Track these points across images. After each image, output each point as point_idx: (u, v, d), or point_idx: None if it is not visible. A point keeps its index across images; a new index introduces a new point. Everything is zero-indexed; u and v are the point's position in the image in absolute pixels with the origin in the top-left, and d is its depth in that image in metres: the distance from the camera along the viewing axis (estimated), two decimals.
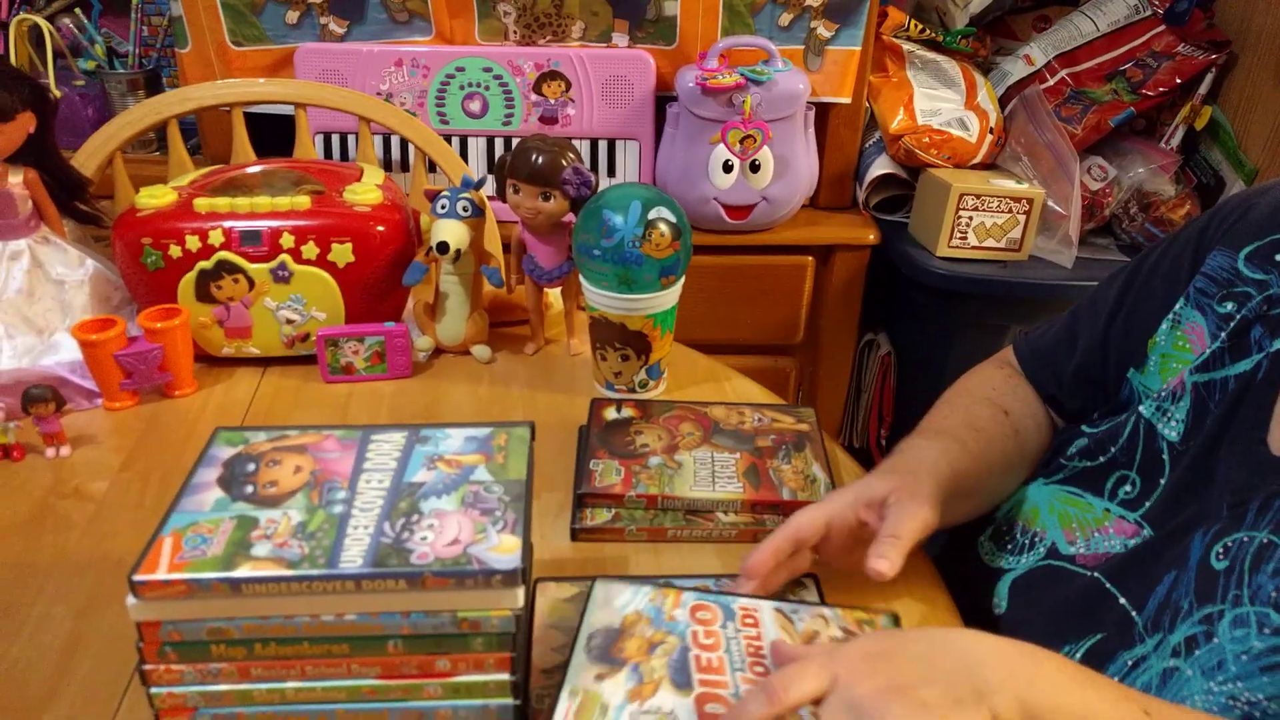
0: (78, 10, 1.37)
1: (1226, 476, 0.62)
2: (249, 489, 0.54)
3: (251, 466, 0.56)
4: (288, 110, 1.15)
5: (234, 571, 0.48)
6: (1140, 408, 0.70)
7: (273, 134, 1.26)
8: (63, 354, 0.88)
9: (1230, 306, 0.67)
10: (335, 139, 1.31)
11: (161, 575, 0.47)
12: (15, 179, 0.88)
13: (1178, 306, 0.71)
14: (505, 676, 0.52)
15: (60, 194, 0.92)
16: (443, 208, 0.92)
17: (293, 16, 1.26)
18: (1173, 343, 0.71)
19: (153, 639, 0.49)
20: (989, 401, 0.81)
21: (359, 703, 0.52)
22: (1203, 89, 1.46)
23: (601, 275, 0.84)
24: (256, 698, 0.51)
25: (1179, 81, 1.45)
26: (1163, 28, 1.51)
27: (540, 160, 0.89)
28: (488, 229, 1.09)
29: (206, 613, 0.49)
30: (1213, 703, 0.54)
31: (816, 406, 1.05)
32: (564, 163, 0.89)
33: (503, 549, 0.50)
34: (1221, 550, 0.59)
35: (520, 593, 0.50)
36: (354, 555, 0.49)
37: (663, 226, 0.82)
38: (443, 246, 0.89)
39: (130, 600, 0.48)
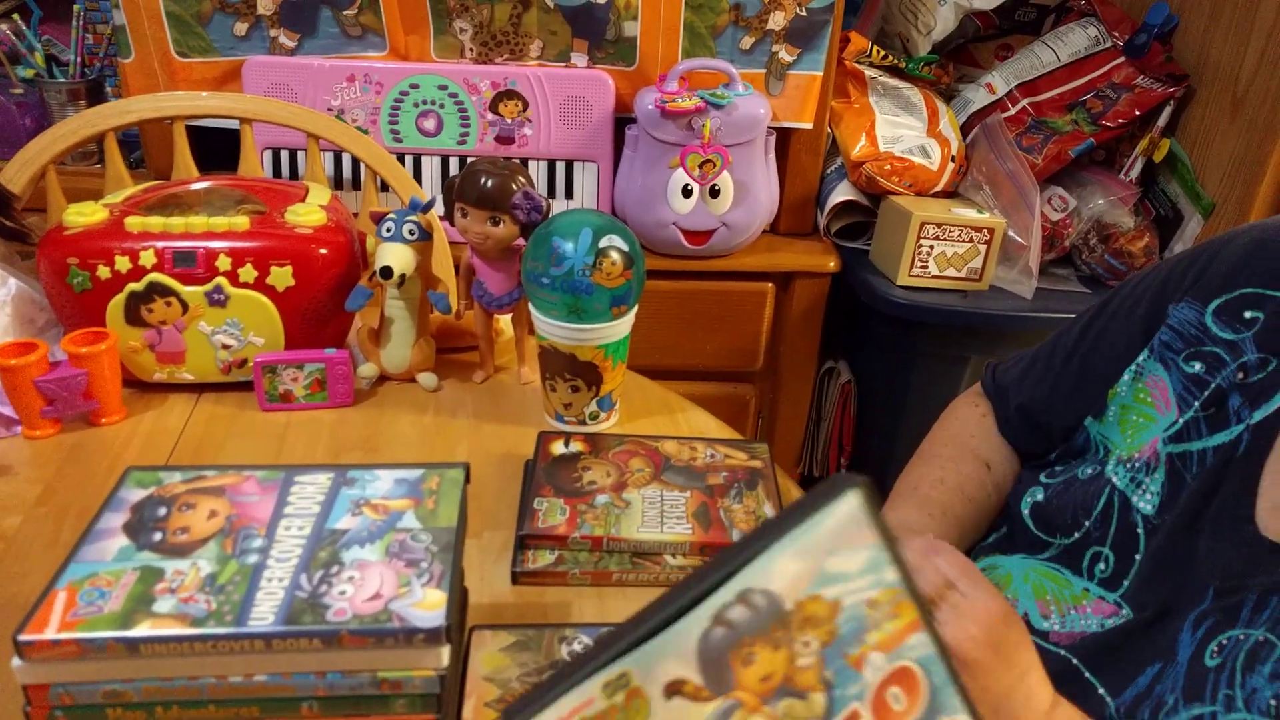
0: (16, 16, 1.32)
1: (1210, 557, 0.60)
2: (157, 536, 0.50)
3: (163, 511, 0.52)
4: (235, 124, 1.12)
5: (131, 630, 0.44)
6: (1113, 475, 0.67)
7: (220, 148, 1.22)
8: None
9: (1198, 367, 0.65)
10: (285, 155, 1.27)
11: (50, 635, 0.44)
12: None
13: (1141, 358, 0.69)
14: None
15: None
16: (388, 231, 0.89)
17: (241, 28, 1.22)
18: (1134, 394, 0.69)
19: (41, 703, 0.46)
20: (973, 456, 0.81)
21: None
22: (1161, 121, 1.47)
23: (550, 304, 0.81)
24: None
25: (1138, 113, 1.46)
26: (1122, 59, 1.52)
27: (489, 184, 0.86)
28: (438, 252, 1.06)
29: (102, 674, 0.45)
30: None
31: (776, 434, 1.03)
32: (514, 186, 0.86)
33: (427, 605, 0.47)
34: (1216, 648, 0.56)
35: (444, 652, 0.47)
36: (265, 611, 0.46)
37: (614, 255, 0.80)
38: (386, 271, 0.86)
39: (15, 662, 0.44)
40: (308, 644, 0.45)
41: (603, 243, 0.80)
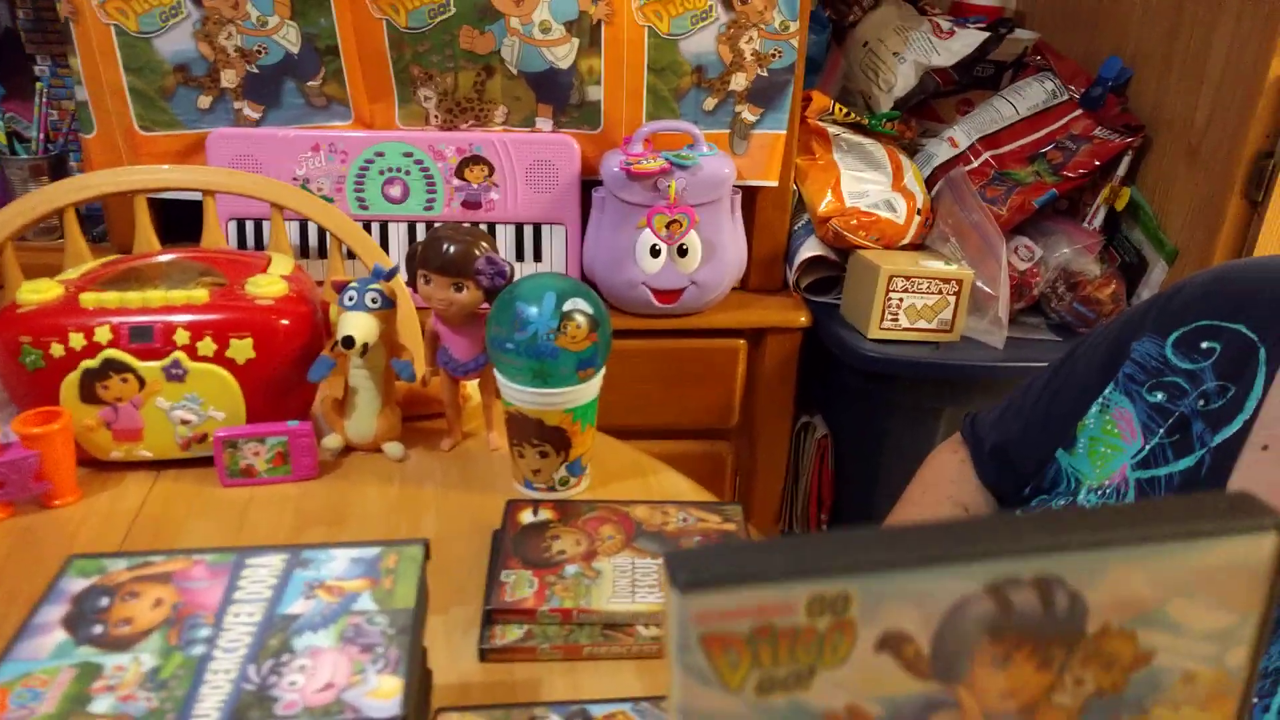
0: None
1: None
2: (98, 629, 0.48)
3: (105, 601, 0.50)
4: (198, 196, 1.11)
5: None
6: (1084, 503, 0.69)
7: (184, 218, 1.21)
8: None
9: (1160, 396, 0.68)
10: (250, 225, 1.26)
11: None
12: None
13: (1107, 391, 0.72)
14: None
15: None
16: (350, 300, 0.88)
17: (205, 101, 1.22)
18: (1101, 426, 0.72)
19: None
20: (950, 501, 0.84)
21: None
22: (1121, 171, 1.49)
23: (516, 369, 0.80)
24: None
25: (1098, 163, 1.48)
26: (1080, 111, 1.55)
27: (451, 250, 0.85)
28: (404, 319, 1.05)
29: None
30: None
31: (754, 491, 1.01)
32: (477, 252, 0.85)
33: (381, 693, 0.45)
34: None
35: None
36: (209, 708, 0.43)
37: (579, 318, 0.79)
38: (348, 341, 0.85)
39: None
40: None
41: (567, 306, 0.79)
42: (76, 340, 0.82)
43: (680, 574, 0.22)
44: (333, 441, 0.92)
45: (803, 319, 1.41)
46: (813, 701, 0.24)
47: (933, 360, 1.36)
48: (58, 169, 1.37)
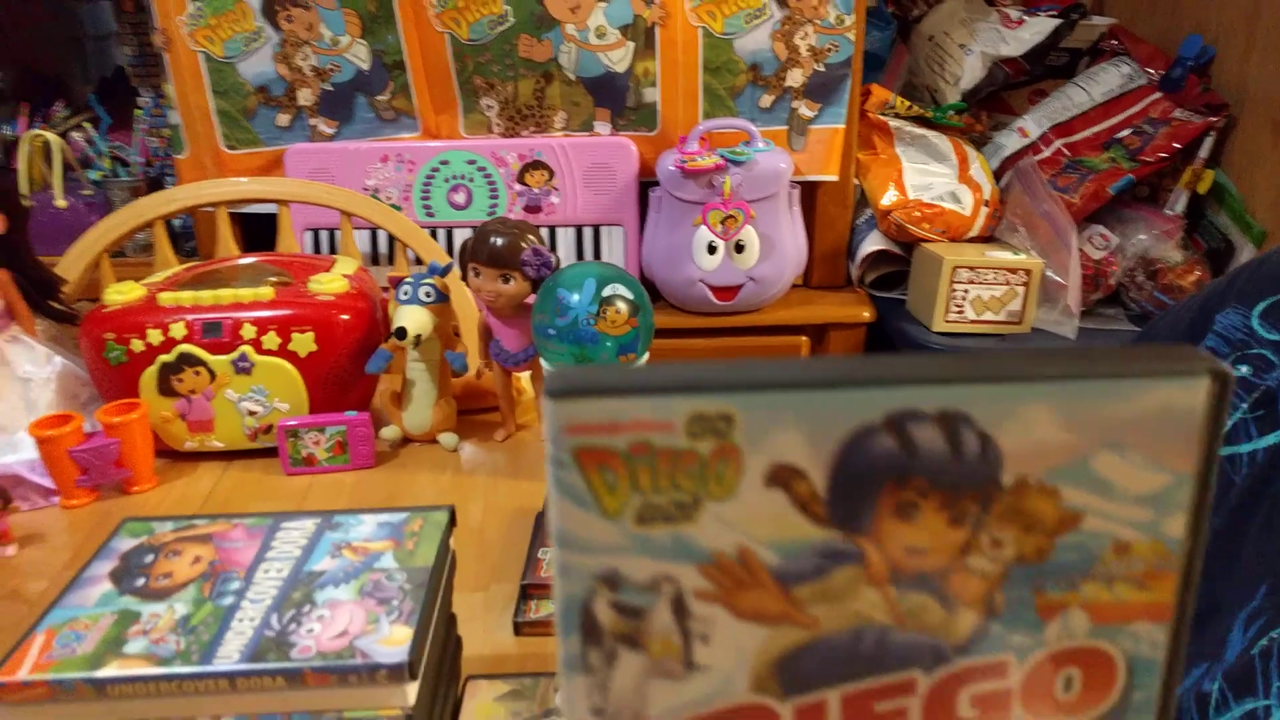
0: (87, 124, 1.43)
1: (1260, 555, 0.57)
2: (140, 581, 0.52)
3: (150, 558, 0.54)
4: (275, 209, 1.17)
5: (99, 671, 0.45)
6: None
7: (265, 232, 1.29)
8: (23, 452, 0.87)
9: (1245, 370, 0.64)
10: (324, 235, 1.33)
11: (22, 676, 0.45)
12: None
13: None
14: None
15: (33, 293, 0.93)
16: (405, 294, 0.92)
17: (284, 119, 1.29)
18: None
19: None
20: None
21: None
22: (1203, 153, 1.43)
23: (558, 354, 0.82)
24: None
25: (1177, 146, 1.42)
26: (1158, 95, 1.49)
27: (499, 242, 0.88)
28: (465, 317, 1.09)
29: (72, 717, 0.46)
30: None
31: None
32: (523, 244, 0.88)
33: (392, 641, 0.47)
34: (1266, 643, 0.53)
35: (410, 690, 0.46)
36: (231, 650, 0.46)
37: (619, 303, 0.81)
38: (401, 332, 0.88)
39: None
40: (271, 682, 0.45)
41: (606, 291, 0.81)
42: (154, 336, 0.88)
43: (555, 383, 0.21)
44: (390, 433, 0.96)
45: (866, 314, 1.40)
46: (699, 538, 0.22)
47: (1003, 350, 1.33)
48: (154, 190, 1.47)
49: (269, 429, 0.92)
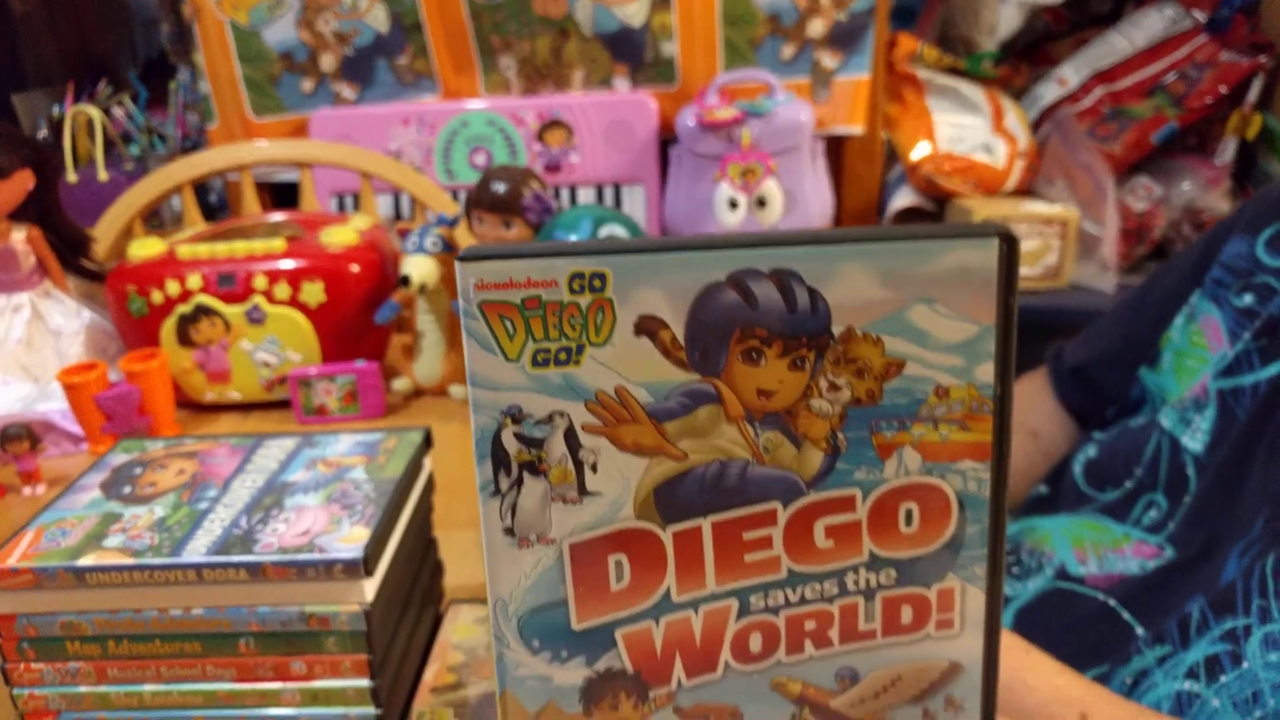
0: (127, 99, 1.48)
1: (1262, 487, 0.55)
2: (127, 489, 0.54)
3: (138, 470, 0.56)
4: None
5: (78, 560, 0.47)
6: (1162, 419, 0.64)
7: (294, 200, 1.32)
8: (55, 401, 0.91)
9: (1249, 299, 0.62)
10: (350, 201, 1.35)
11: (10, 564, 0.47)
12: (18, 235, 0.93)
13: (1193, 299, 0.67)
14: (364, 683, 0.49)
15: (64, 251, 0.97)
16: (412, 244, 0.93)
17: (308, 85, 1.32)
18: (1188, 338, 0.67)
19: (9, 634, 0.49)
20: (1018, 427, 0.81)
21: (216, 709, 0.49)
22: (1251, 96, 1.37)
23: None
24: (115, 701, 0.49)
25: (1224, 90, 1.36)
26: (1204, 38, 1.43)
27: (500, 189, 0.89)
28: None
29: (57, 605, 0.48)
30: None
31: None
32: (524, 190, 0.89)
33: (350, 539, 0.48)
34: (1250, 563, 0.52)
35: (366, 585, 0.47)
36: (200, 545, 0.48)
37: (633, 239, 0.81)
38: (405, 280, 0.90)
39: None
40: (235, 574, 0.47)
41: (603, 231, 0.81)
42: (173, 288, 0.91)
43: (465, 253, 0.26)
44: (402, 384, 0.97)
45: None
46: (584, 378, 0.26)
47: (1037, 306, 1.29)
48: None
49: (283, 380, 0.94)
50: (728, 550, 0.27)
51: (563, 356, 0.26)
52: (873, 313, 0.25)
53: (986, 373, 0.26)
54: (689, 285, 0.25)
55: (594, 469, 0.27)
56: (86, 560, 0.47)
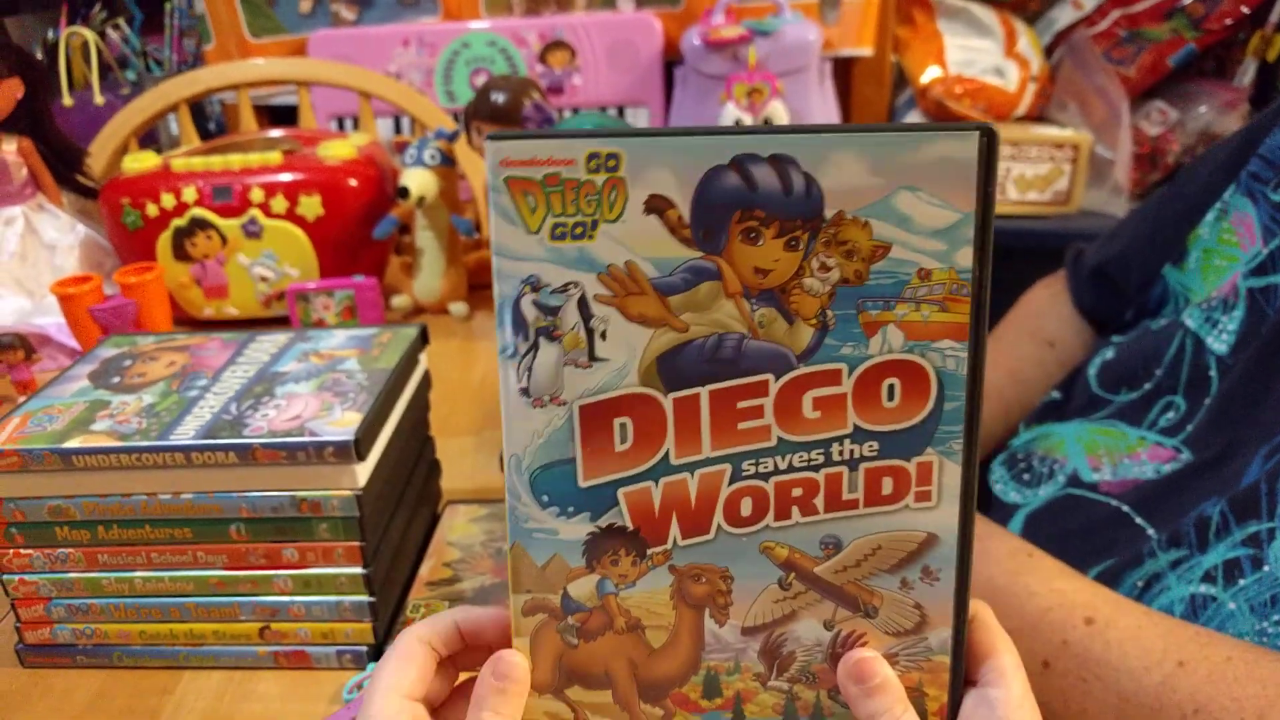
0: (121, 22, 1.45)
1: None
2: (116, 379, 0.53)
3: (128, 362, 0.55)
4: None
5: (64, 443, 0.46)
6: (1186, 319, 0.61)
7: (292, 124, 1.29)
8: (51, 315, 0.90)
9: None
10: (349, 124, 1.33)
11: None
12: (9, 147, 0.91)
13: (1227, 194, 0.63)
14: (357, 570, 0.48)
15: (57, 165, 0.95)
16: (411, 157, 0.91)
17: (306, 5, 1.29)
18: (1218, 235, 0.63)
19: None
20: (1033, 338, 0.80)
21: (208, 595, 0.49)
22: (1273, 17, 1.32)
23: None
24: (106, 588, 0.49)
25: (1245, 11, 1.32)
26: None
27: (500, 99, 0.86)
28: (475, 184, 1.08)
29: (44, 489, 0.47)
30: (1268, 646, 0.45)
31: None
32: (525, 100, 0.86)
33: (341, 423, 0.47)
34: (1274, 467, 0.50)
35: (359, 470, 0.47)
36: (188, 429, 0.47)
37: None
38: (403, 191, 0.88)
39: None
40: (224, 458, 0.46)
41: None
42: (168, 200, 0.90)
43: (493, 134, 0.28)
44: (401, 301, 0.96)
45: None
46: (596, 252, 0.28)
47: (1046, 231, 1.27)
48: None
49: (281, 295, 0.93)
50: (723, 417, 0.29)
51: (578, 231, 0.28)
52: (862, 198, 0.27)
53: (966, 257, 0.27)
54: (695, 167, 0.27)
55: (603, 337, 0.29)
56: (73, 443, 0.46)
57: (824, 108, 1.28)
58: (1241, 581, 0.48)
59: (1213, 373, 0.58)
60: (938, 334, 0.28)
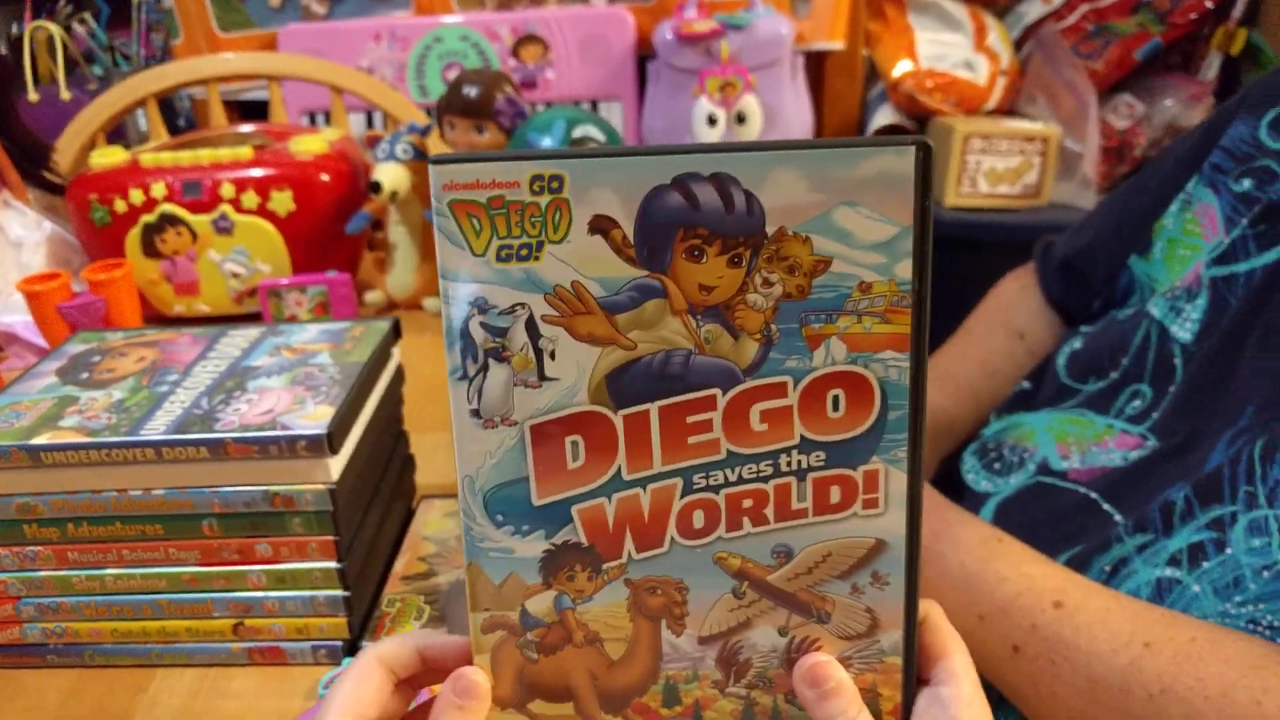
0: (88, 16, 1.43)
1: (1253, 378, 0.54)
2: (84, 375, 0.52)
3: (97, 358, 0.54)
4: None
5: (32, 439, 0.46)
6: (1151, 308, 0.62)
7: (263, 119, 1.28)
8: (18, 314, 0.89)
9: (1248, 184, 0.59)
10: (321, 119, 1.32)
11: None
12: None
13: (1190, 185, 0.64)
14: (331, 564, 0.48)
15: (23, 161, 0.94)
16: (383, 152, 0.91)
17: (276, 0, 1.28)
18: (1181, 226, 0.64)
19: None
20: (1004, 330, 0.81)
21: (181, 592, 0.49)
22: (1236, 11, 1.35)
23: None
24: (76, 586, 0.49)
25: (1209, 5, 1.34)
26: None
27: (472, 92, 0.86)
28: None
29: (11, 486, 0.47)
30: (1231, 627, 0.46)
31: None
32: (497, 94, 0.86)
33: (313, 417, 0.47)
34: (1236, 452, 0.51)
35: (332, 464, 0.47)
36: (158, 424, 0.47)
37: (589, 145, 0.79)
38: (375, 186, 0.88)
39: None
40: (195, 453, 0.46)
41: (577, 132, 0.79)
42: (136, 196, 0.89)
43: (435, 157, 0.28)
44: (374, 297, 0.96)
45: None
46: (543, 273, 0.28)
47: (1017, 224, 1.28)
48: None
49: (253, 292, 0.92)
50: (672, 433, 0.29)
51: (524, 252, 0.28)
52: (803, 214, 0.28)
53: (906, 270, 0.28)
54: (638, 187, 0.27)
55: (552, 356, 0.29)
56: (41, 439, 0.46)
57: (796, 102, 1.29)
58: (1205, 565, 0.49)
59: (1177, 361, 0.59)
60: (880, 345, 0.28)
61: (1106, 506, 0.58)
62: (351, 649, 0.50)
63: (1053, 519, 0.61)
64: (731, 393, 0.29)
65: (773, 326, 0.28)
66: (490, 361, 0.29)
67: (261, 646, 0.49)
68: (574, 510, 0.30)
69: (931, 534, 0.55)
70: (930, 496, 0.58)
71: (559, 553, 0.30)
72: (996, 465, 0.68)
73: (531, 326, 0.29)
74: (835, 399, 0.29)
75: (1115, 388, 0.64)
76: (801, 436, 0.29)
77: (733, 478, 0.29)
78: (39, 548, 0.48)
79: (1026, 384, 0.74)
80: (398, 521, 0.59)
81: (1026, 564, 0.52)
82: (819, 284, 0.28)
